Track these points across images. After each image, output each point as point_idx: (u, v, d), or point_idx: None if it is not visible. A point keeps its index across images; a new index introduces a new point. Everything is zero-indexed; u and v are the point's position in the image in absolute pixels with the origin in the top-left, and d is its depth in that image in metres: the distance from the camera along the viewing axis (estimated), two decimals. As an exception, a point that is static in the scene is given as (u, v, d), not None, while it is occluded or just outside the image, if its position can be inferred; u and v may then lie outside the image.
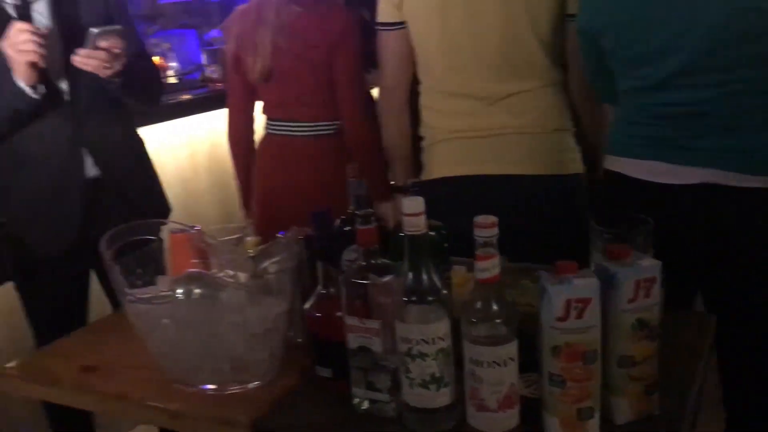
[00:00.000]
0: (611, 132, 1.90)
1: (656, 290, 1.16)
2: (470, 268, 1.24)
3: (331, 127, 2.38)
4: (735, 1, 1.59)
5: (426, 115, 2.09)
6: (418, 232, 1.13)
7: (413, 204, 1.13)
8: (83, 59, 1.89)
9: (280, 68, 2.31)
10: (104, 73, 1.92)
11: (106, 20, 2.02)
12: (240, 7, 2.47)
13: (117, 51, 1.92)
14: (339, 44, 2.25)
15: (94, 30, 1.88)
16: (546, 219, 1.94)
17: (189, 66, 4.53)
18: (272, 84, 2.34)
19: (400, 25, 2.03)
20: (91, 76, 1.95)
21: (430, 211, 1.15)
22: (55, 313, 2.20)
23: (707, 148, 1.67)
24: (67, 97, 2.02)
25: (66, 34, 1.95)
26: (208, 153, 3.60)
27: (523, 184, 1.93)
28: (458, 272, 1.51)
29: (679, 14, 1.63)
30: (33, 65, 1.81)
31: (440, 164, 2.05)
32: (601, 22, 1.76)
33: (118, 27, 1.93)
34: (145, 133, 2.43)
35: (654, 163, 1.73)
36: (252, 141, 2.57)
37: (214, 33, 4.82)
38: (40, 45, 1.80)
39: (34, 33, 1.79)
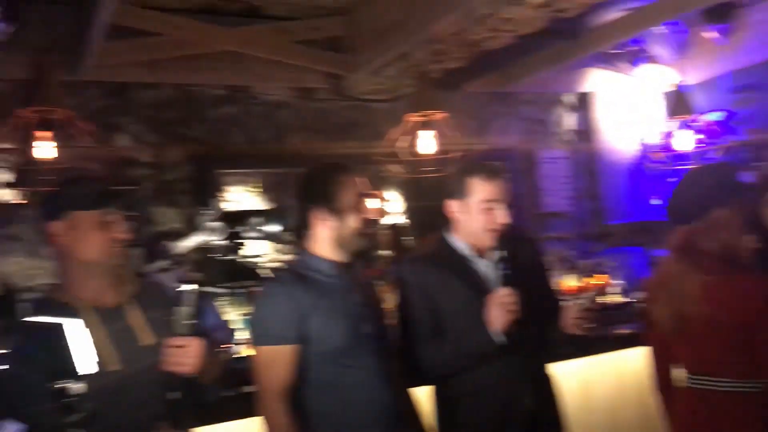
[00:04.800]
0: None
1: None
2: None
3: (758, 385, 2.08)
4: None
5: None
6: None
7: None
8: (576, 321, 2.21)
9: (691, 328, 2.16)
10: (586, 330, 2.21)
11: (538, 272, 2.33)
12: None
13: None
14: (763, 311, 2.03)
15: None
16: None
17: (634, 283, 4.55)
18: (686, 340, 2.18)
19: None
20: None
21: None
22: None
23: None
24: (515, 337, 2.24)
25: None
26: (638, 386, 3.52)
27: None
28: None
29: None
30: (513, 322, 2.15)
31: None
32: None
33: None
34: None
35: None
36: (671, 388, 2.38)
37: (660, 251, 4.79)
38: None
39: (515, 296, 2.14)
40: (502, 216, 2.25)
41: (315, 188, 2.15)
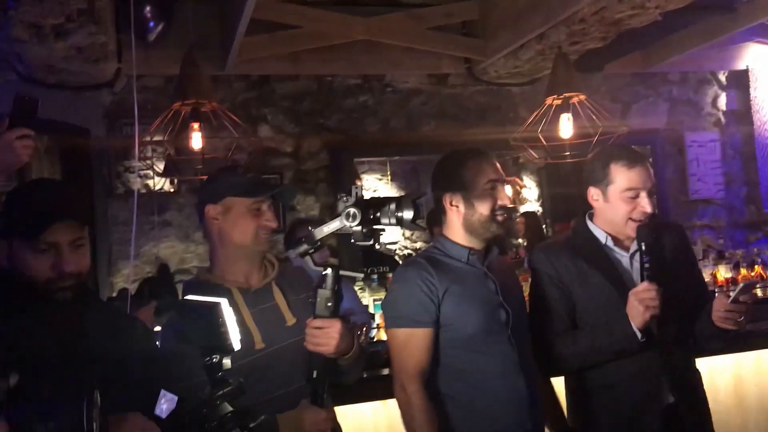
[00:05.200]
0: None
1: None
2: None
3: None
4: None
5: None
6: None
7: None
8: (726, 314, 2.03)
9: None
10: (738, 324, 2.03)
11: (684, 263, 2.21)
12: None
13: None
14: None
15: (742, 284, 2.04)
16: None
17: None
18: None
19: None
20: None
21: None
22: None
23: None
24: (655, 332, 2.12)
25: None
26: None
27: None
28: None
29: None
30: (653, 317, 2.03)
31: None
32: None
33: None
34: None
35: None
36: None
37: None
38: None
39: (656, 291, 2.02)
40: (645, 205, 2.13)
41: (448, 174, 2.13)
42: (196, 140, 3.71)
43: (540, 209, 6.08)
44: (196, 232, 4.32)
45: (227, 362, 1.49)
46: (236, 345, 1.48)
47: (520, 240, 5.28)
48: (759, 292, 4.32)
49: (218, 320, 1.45)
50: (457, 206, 2.09)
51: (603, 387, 2.17)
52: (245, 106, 4.66)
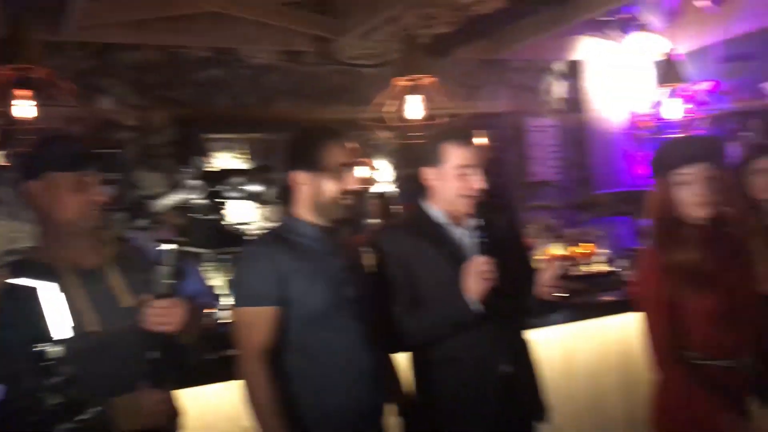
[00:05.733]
0: None
1: None
2: None
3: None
4: None
5: None
6: None
7: None
8: (548, 288, 2.19)
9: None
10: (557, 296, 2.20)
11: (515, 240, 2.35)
12: None
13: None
14: None
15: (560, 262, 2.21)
16: None
17: (620, 252, 4.57)
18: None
19: None
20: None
21: None
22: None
23: None
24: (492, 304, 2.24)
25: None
26: (621, 353, 3.57)
27: None
28: None
29: None
30: (489, 289, 2.14)
31: None
32: None
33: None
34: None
35: None
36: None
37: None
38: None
39: (491, 264, 2.13)
40: (477, 182, 2.21)
41: (299, 152, 2.12)
42: (25, 109, 3.43)
43: (394, 190, 6.20)
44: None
45: (56, 350, 1.40)
46: (62, 332, 1.39)
47: (373, 220, 5.35)
48: (584, 269, 4.69)
49: (36, 306, 1.36)
50: (305, 185, 2.08)
51: (444, 360, 2.25)
52: (86, 76, 4.36)
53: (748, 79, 4.86)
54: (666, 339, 2.15)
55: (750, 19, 4.80)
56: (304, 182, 2.08)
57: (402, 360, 2.40)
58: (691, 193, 2.06)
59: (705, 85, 5.10)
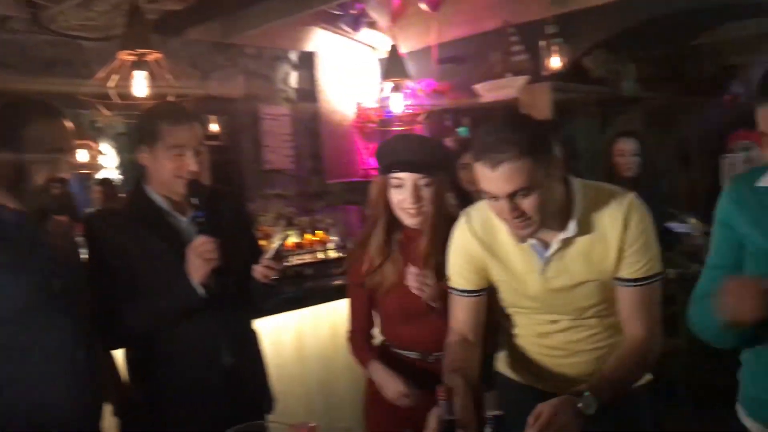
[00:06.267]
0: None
1: None
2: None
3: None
4: None
5: None
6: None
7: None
8: (264, 270, 2.11)
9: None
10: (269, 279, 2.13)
11: (240, 227, 2.31)
12: None
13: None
14: None
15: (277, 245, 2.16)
16: None
17: (349, 240, 4.76)
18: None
19: None
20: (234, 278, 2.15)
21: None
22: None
23: None
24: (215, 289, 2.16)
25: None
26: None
27: None
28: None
29: None
30: (212, 271, 2.06)
31: None
32: None
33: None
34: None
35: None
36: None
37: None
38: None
39: (213, 244, 2.05)
40: (190, 163, 2.11)
41: None
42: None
43: (119, 176, 5.79)
44: None
45: None
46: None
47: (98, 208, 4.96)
48: (320, 255, 4.82)
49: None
50: (4, 167, 1.82)
51: (164, 355, 2.14)
52: None
53: (461, 79, 5.34)
54: (360, 325, 2.32)
55: (462, 25, 5.29)
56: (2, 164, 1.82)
57: (119, 357, 2.24)
58: (402, 198, 2.11)
59: (423, 84, 5.51)
